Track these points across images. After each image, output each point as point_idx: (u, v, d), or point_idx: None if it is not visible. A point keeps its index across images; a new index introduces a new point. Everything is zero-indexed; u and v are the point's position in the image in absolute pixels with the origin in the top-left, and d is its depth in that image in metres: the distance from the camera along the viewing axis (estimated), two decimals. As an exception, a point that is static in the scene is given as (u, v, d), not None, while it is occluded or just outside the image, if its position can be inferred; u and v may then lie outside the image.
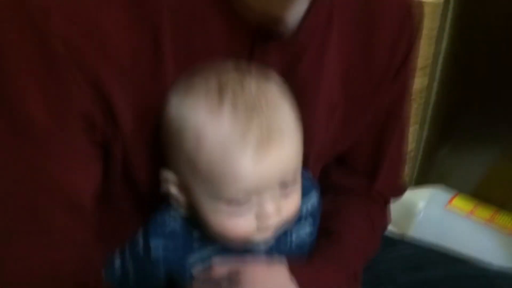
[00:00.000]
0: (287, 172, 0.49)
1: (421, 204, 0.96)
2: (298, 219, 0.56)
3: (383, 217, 0.71)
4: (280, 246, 0.56)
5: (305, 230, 0.58)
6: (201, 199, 0.49)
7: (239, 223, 0.49)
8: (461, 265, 0.67)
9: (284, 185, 0.49)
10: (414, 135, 1.29)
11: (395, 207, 1.04)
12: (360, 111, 0.63)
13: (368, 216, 0.67)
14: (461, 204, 0.96)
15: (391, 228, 0.75)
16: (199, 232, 0.52)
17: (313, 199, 0.59)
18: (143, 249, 0.54)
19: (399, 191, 0.74)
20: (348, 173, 0.69)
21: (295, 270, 0.55)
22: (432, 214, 0.95)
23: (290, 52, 0.54)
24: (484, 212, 0.94)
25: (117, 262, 0.56)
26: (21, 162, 0.47)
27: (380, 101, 0.64)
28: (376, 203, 0.69)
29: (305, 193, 0.56)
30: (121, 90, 0.48)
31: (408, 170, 1.30)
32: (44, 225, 0.49)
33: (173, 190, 0.51)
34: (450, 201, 0.96)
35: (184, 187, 0.50)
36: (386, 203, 0.71)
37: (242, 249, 0.53)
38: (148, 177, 0.53)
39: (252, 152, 0.46)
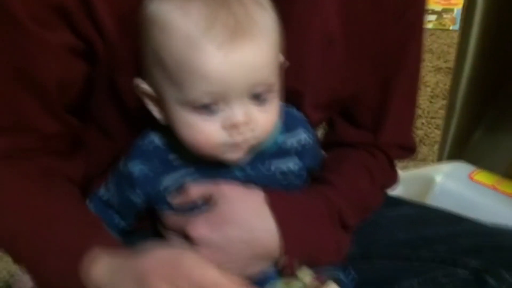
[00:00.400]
0: (256, 77, 0.49)
1: (440, 177, 0.95)
2: (282, 152, 0.57)
3: (386, 173, 0.70)
4: (258, 175, 0.57)
5: (288, 165, 0.58)
6: (171, 108, 0.51)
7: (207, 130, 0.50)
8: (463, 223, 0.66)
9: (255, 97, 0.50)
10: (444, 118, 1.28)
11: (414, 179, 1.04)
12: (362, 51, 0.63)
13: (364, 166, 0.67)
14: (482, 177, 0.95)
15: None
16: (175, 154, 0.55)
17: (301, 136, 0.59)
18: (122, 173, 0.57)
19: (408, 150, 0.72)
20: (353, 127, 0.69)
21: (271, 197, 0.56)
22: (452, 186, 0.95)
23: None
24: (507, 186, 0.93)
25: (102, 191, 0.60)
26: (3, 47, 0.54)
27: (384, 43, 0.63)
28: (376, 157, 0.69)
29: (290, 129, 0.58)
30: None
31: (438, 154, 1.29)
32: (13, 108, 0.56)
33: (150, 105, 0.53)
34: (471, 174, 0.96)
35: (159, 99, 0.52)
36: (391, 159, 0.70)
37: (217, 175, 0.55)
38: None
39: (216, 46, 0.47)
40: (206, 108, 0.49)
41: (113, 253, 0.51)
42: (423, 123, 1.69)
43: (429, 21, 2.43)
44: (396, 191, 1.09)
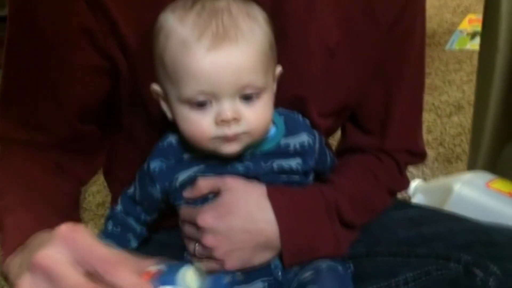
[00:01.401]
0: (242, 79, 0.55)
1: (458, 185, 0.97)
2: (284, 153, 0.63)
3: (392, 177, 0.73)
4: (260, 172, 0.62)
5: (290, 164, 0.63)
6: (173, 105, 0.58)
7: (201, 124, 0.57)
8: (464, 222, 0.69)
9: (246, 97, 0.56)
10: (472, 131, 1.27)
11: (434, 188, 1.05)
12: (363, 60, 0.67)
13: (368, 168, 0.71)
14: (500, 185, 0.95)
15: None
16: (188, 153, 0.62)
17: (303, 139, 0.64)
18: (146, 171, 0.64)
19: (417, 156, 0.76)
20: (361, 133, 0.74)
21: (272, 192, 0.62)
22: (469, 193, 0.96)
23: None
24: (524, 193, 0.93)
25: (130, 189, 0.67)
26: (30, 63, 0.62)
27: (382, 52, 0.67)
28: (383, 161, 0.72)
29: (293, 133, 0.64)
30: (120, 5, 0.58)
31: (470, 164, 1.28)
32: (33, 112, 0.65)
33: (162, 104, 0.60)
34: (489, 182, 0.96)
35: (166, 98, 0.59)
36: (399, 165, 0.73)
37: (224, 171, 0.61)
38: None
39: (205, 50, 0.54)
40: (200, 105, 0.56)
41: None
42: (462, 140, 1.69)
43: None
44: (417, 200, 1.12)
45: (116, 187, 0.74)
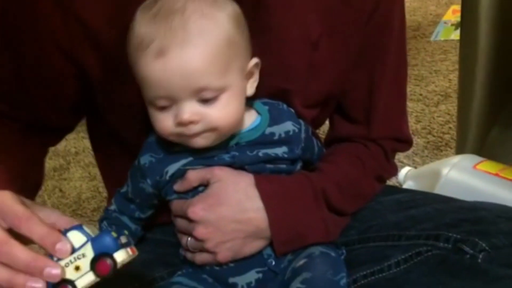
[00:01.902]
0: (195, 83, 0.55)
1: (447, 169, 0.98)
2: (270, 142, 0.64)
3: (380, 163, 0.75)
4: (246, 160, 0.63)
5: (275, 152, 0.64)
6: (147, 105, 0.60)
7: (164, 124, 0.59)
8: (451, 202, 0.70)
9: (204, 101, 0.57)
10: (458, 116, 1.29)
11: (423, 174, 1.07)
12: (344, 51, 0.68)
13: (355, 155, 0.72)
14: (487, 167, 0.97)
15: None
16: (176, 147, 0.63)
17: (289, 128, 0.65)
18: (137, 167, 0.65)
19: (404, 143, 0.77)
20: (347, 122, 0.75)
21: (259, 181, 0.63)
22: (457, 176, 0.97)
23: None
24: (511, 173, 0.94)
25: (123, 188, 0.68)
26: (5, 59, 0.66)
27: (361, 41, 0.68)
28: (370, 148, 0.74)
29: (278, 122, 0.65)
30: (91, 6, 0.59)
31: (458, 150, 1.30)
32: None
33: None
34: (477, 165, 0.98)
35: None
36: (386, 152, 0.75)
37: (211, 161, 0.63)
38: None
39: (154, 57, 0.55)
40: (162, 107, 0.58)
41: None
42: (450, 128, 1.70)
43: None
44: (407, 186, 1.13)
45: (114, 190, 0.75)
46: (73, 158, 1.95)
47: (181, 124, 0.58)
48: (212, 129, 0.59)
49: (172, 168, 0.63)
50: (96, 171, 1.84)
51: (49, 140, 0.77)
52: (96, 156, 0.83)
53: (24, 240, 0.52)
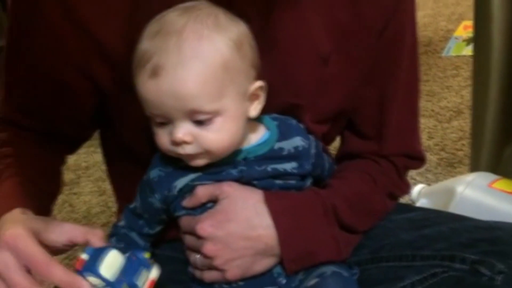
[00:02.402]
0: (187, 105, 0.55)
1: (461, 187, 0.96)
2: (278, 157, 0.63)
3: (392, 180, 0.73)
4: (254, 175, 0.62)
5: (284, 167, 0.63)
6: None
7: (162, 140, 0.59)
8: (466, 221, 0.68)
9: (198, 123, 0.56)
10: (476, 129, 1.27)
11: (437, 192, 1.05)
12: (355, 66, 0.67)
13: (365, 172, 0.71)
14: (502, 185, 0.95)
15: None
16: (183, 162, 0.62)
17: (298, 143, 0.65)
18: (146, 181, 0.65)
19: (416, 160, 0.76)
20: (358, 139, 0.74)
21: (269, 197, 0.62)
22: (471, 194, 0.95)
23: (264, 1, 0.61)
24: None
25: (133, 203, 0.67)
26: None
27: (372, 57, 0.68)
28: (381, 165, 0.73)
29: (287, 137, 0.64)
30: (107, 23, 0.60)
31: (472, 168, 1.28)
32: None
33: None
34: (492, 183, 0.96)
35: None
36: (398, 169, 0.74)
37: (219, 177, 0.62)
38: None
39: (148, 76, 0.55)
40: (160, 123, 0.58)
41: None
42: (463, 144, 1.68)
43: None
44: (421, 204, 1.11)
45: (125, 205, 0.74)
46: (83, 172, 1.96)
47: (174, 143, 0.58)
48: (206, 152, 0.59)
49: (180, 183, 0.63)
50: (106, 185, 1.84)
51: (66, 149, 0.77)
52: (108, 170, 0.82)
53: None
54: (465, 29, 2.52)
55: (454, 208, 0.95)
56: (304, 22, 0.64)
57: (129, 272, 0.55)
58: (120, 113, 0.68)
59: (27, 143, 0.71)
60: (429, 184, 1.28)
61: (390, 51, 0.69)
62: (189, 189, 0.63)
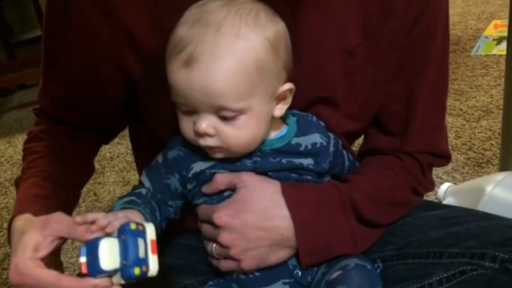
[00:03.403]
0: (215, 101, 0.55)
1: (490, 186, 0.94)
2: (295, 152, 0.63)
3: (415, 176, 0.72)
4: (266, 165, 0.62)
5: (300, 161, 0.63)
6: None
7: (186, 128, 0.59)
8: (497, 220, 0.67)
9: (223, 118, 0.56)
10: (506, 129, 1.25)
11: (466, 190, 1.03)
12: (383, 60, 0.66)
13: (387, 168, 0.70)
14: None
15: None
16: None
17: (316, 140, 0.64)
18: (162, 161, 0.65)
19: (441, 158, 0.74)
20: (383, 135, 0.73)
21: (286, 189, 0.61)
22: (501, 194, 0.93)
23: None
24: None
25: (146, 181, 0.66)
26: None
27: (401, 51, 0.66)
28: (404, 161, 0.71)
29: (305, 133, 0.64)
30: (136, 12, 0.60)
31: (501, 167, 1.26)
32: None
33: None
34: (522, 182, 0.94)
35: None
36: (422, 165, 0.72)
37: (234, 166, 0.62)
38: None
39: (180, 66, 0.54)
40: (185, 112, 0.58)
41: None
42: (492, 144, 1.65)
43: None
44: (447, 202, 1.09)
45: None
46: (108, 163, 1.98)
47: (197, 133, 0.58)
48: (226, 147, 0.59)
49: (197, 167, 0.63)
50: (130, 176, 1.86)
51: (101, 140, 0.79)
52: (136, 160, 0.83)
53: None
54: (495, 28, 2.47)
55: (483, 207, 0.93)
56: (331, 15, 0.63)
57: (129, 250, 0.53)
58: (151, 103, 0.68)
59: (61, 138, 0.72)
60: (455, 183, 1.26)
61: (420, 47, 0.68)
62: (203, 176, 0.63)
